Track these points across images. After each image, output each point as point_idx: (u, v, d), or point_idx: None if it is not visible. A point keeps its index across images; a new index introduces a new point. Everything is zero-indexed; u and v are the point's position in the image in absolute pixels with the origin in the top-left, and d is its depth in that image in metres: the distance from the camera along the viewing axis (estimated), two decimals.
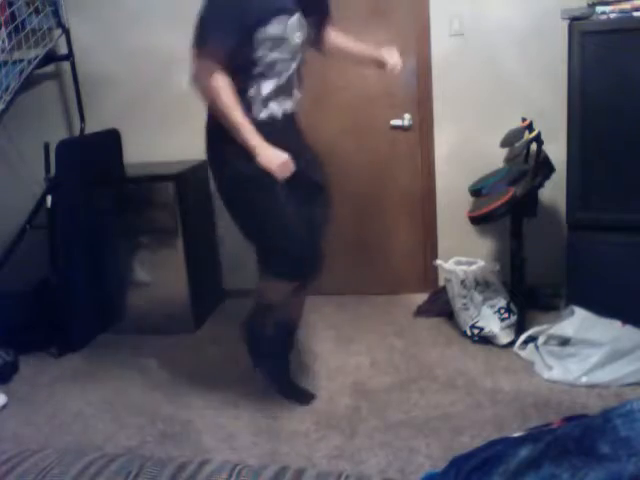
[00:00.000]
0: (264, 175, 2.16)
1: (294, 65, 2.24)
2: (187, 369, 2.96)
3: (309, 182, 2.37)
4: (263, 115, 2.21)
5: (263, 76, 2.17)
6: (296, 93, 2.31)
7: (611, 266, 2.70)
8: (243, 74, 2.16)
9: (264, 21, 2.07)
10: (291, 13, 2.12)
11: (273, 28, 2.09)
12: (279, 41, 2.12)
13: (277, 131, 2.22)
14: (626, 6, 2.53)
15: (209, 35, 2.08)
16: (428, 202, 3.53)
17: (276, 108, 2.23)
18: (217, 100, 2.13)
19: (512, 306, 2.99)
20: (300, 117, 2.39)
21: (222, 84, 2.11)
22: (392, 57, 2.38)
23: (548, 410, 2.38)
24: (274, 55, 2.15)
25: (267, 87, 2.18)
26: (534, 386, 2.57)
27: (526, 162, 2.98)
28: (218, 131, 2.20)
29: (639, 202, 2.66)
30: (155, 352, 3.16)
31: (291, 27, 2.13)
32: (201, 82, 2.13)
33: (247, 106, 2.18)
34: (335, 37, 2.46)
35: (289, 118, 2.30)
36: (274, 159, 2.15)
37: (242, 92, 2.16)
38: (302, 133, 2.41)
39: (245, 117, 2.14)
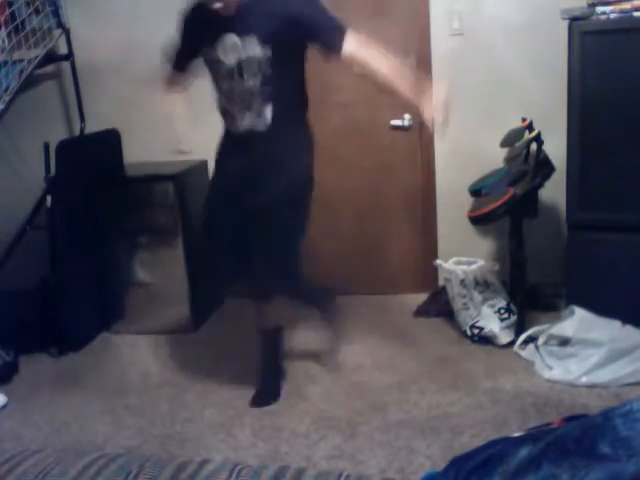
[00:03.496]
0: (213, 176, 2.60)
1: (250, 83, 2.28)
2: (187, 369, 2.96)
3: (247, 205, 2.38)
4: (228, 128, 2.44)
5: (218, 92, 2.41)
6: (263, 110, 2.32)
7: (611, 266, 2.70)
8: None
9: (196, 45, 2.37)
10: (215, 37, 2.26)
11: (205, 51, 2.33)
12: (215, 63, 2.32)
13: (232, 145, 2.46)
14: (626, 6, 2.53)
15: None
16: (428, 202, 3.53)
17: (237, 121, 2.36)
18: None
19: (512, 306, 2.99)
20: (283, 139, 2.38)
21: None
22: (427, 108, 2.02)
23: (548, 410, 2.38)
24: (215, 75, 2.36)
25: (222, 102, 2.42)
26: (534, 386, 2.57)
27: (526, 162, 2.98)
28: None
29: (639, 202, 2.66)
30: (155, 352, 3.16)
31: (223, 48, 2.27)
32: None
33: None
34: (355, 51, 2.15)
35: (254, 136, 2.35)
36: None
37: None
38: (271, 156, 2.37)
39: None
